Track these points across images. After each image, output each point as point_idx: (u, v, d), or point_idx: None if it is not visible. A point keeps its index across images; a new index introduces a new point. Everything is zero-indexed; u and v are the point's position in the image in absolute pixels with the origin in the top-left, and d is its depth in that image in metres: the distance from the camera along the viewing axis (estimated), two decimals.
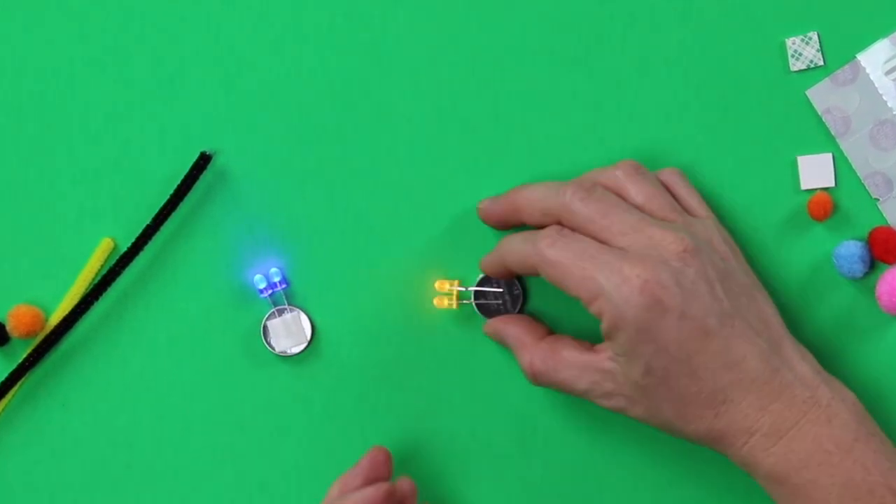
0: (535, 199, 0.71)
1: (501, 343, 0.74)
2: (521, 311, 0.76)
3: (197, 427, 0.77)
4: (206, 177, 0.76)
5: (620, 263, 0.66)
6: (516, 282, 0.77)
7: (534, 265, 0.69)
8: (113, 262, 0.76)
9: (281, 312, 0.76)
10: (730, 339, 0.66)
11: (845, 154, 0.76)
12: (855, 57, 0.76)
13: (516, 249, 0.70)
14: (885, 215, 0.76)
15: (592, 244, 0.68)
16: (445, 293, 0.76)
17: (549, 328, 0.74)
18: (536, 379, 0.71)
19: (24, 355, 0.76)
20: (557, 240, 0.69)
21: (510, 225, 0.73)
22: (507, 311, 0.76)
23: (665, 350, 0.66)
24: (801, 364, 0.68)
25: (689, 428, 0.68)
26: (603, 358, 0.69)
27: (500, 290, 0.76)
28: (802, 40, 0.76)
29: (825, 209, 0.75)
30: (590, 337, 0.73)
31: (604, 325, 0.67)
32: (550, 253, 0.68)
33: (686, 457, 0.75)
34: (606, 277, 0.66)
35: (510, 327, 0.73)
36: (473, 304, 0.76)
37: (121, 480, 0.77)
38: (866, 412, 0.69)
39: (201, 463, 0.77)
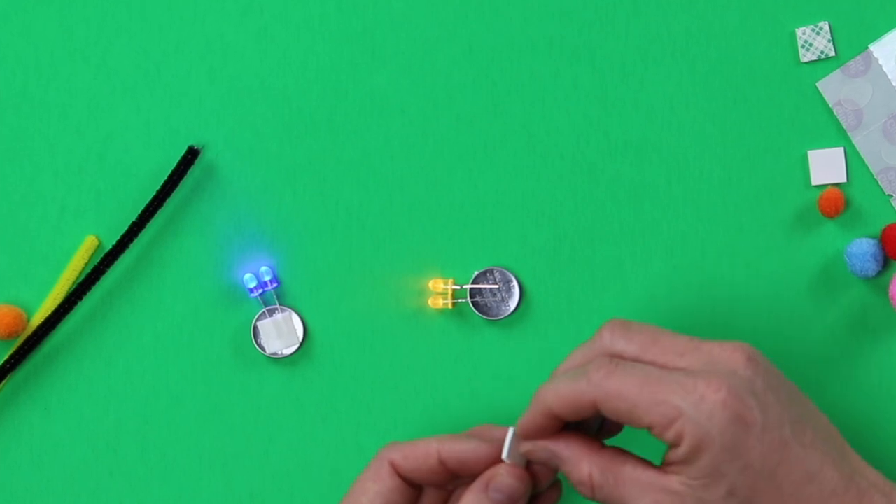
0: (564, 393, 0.65)
1: (546, 461, 0.67)
2: (517, 309, 0.76)
3: (184, 432, 0.77)
4: (193, 172, 0.76)
5: (694, 381, 0.63)
6: (513, 278, 0.76)
7: (592, 402, 0.64)
8: (97, 260, 0.76)
9: (272, 313, 0.76)
10: (805, 448, 0.64)
11: (857, 148, 0.76)
12: (867, 47, 0.76)
13: (565, 392, 0.65)
14: None
15: (654, 368, 0.64)
16: (440, 292, 0.76)
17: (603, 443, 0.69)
18: (594, 493, 0.65)
19: (5, 357, 0.76)
20: (614, 370, 0.64)
21: (557, 429, 0.67)
22: (505, 310, 0.76)
23: (751, 467, 0.63)
24: (869, 469, 0.66)
25: None
26: (673, 480, 0.64)
27: (496, 286, 0.76)
28: (813, 30, 0.76)
29: (836, 206, 0.75)
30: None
31: (684, 450, 0.62)
32: (611, 384, 0.63)
33: None
34: (682, 398, 0.62)
35: (562, 440, 0.66)
36: (469, 302, 0.76)
37: (105, 488, 0.77)
38: None
39: (189, 469, 0.77)
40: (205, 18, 0.77)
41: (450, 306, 0.76)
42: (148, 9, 0.77)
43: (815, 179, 0.76)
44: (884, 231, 0.75)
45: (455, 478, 0.68)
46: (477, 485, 0.67)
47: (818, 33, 0.75)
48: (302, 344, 0.77)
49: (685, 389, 0.62)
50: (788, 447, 0.63)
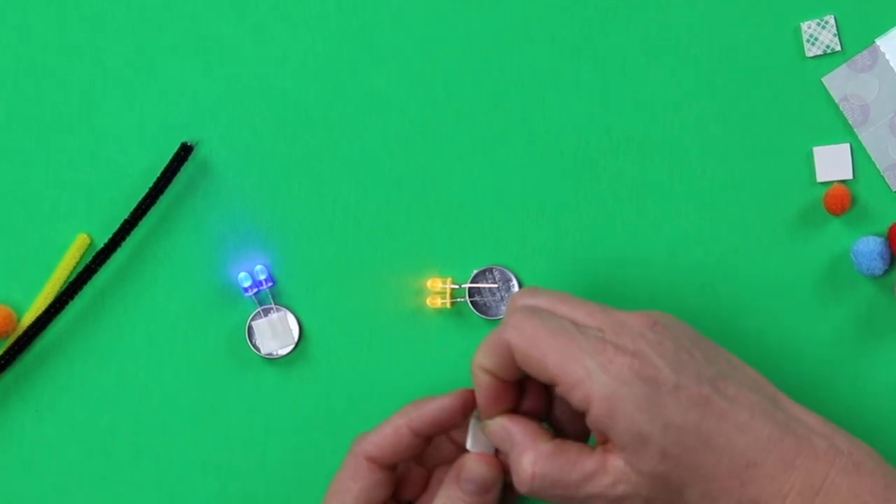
0: (487, 342, 0.67)
1: (501, 444, 0.68)
2: None
3: (178, 434, 0.77)
4: (187, 169, 0.77)
5: (603, 344, 0.64)
6: (513, 277, 0.76)
7: (507, 345, 0.65)
8: (89, 258, 0.76)
9: (267, 312, 0.77)
10: (730, 401, 0.64)
11: (864, 145, 0.76)
12: (874, 42, 0.76)
13: (487, 342, 0.67)
14: None
15: (568, 322, 0.65)
16: (439, 291, 0.76)
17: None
18: (532, 482, 0.66)
19: None
20: (531, 315, 0.66)
21: (507, 397, 0.69)
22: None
23: (672, 425, 0.63)
24: (807, 415, 0.66)
25: None
26: (612, 457, 0.65)
27: (496, 285, 0.76)
28: (818, 24, 0.76)
29: (842, 203, 0.75)
30: None
31: (595, 413, 0.64)
32: (526, 327, 0.65)
33: None
34: (591, 357, 0.64)
35: (518, 422, 0.68)
36: (468, 302, 0.76)
37: (97, 491, 0.77)
38: (881, 455, 0.67)
39: (182, 472, 0.77)
40: (199, 13, 0.77)
41: (448, 306, 0.76)
42: (141, 3, 0.77)
43: (821, 176, 0.76)
44: (891, 229, 0.75)
45: (430, 441, 0.71)
46: (449, 477, 0.69)
47: (823, 27, 0.75)
48: (297, 344, 0.77)
49: (595, 350, 0.64)
50: (710, 402, 0.63)
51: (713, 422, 0.63)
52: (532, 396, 0.69)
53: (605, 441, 0.65)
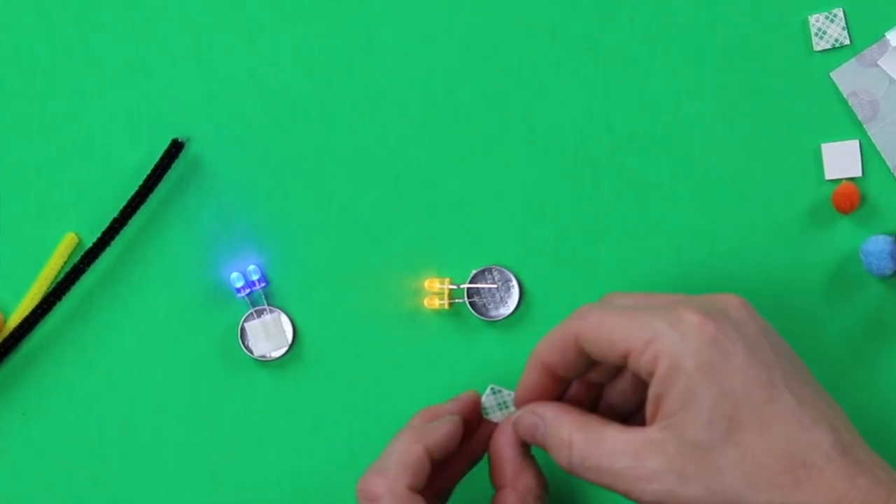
0: (551, 336, 0.67)
1: (532, 427, 0.68)
2: (517, 310, 0.76)
3: (169, 438, 0.77)
4: (178, 166, 0.77)
5: (677, 308, 0.63)
6: (512, 277, 0.77)
7: (574, 336, 0.65)
8: (77, 258, 0.76)
9: (260, 313, 0.77)
10: (800, 400, 0.63)
11: (873, 141, 0.76)
12: (884, 35, 0.76)
13: (551, 336, 0.67)
14: None
15: (640, 306, 0.66)
16: (437, 292, 0.77)
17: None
18: (572, 455, 0.65)
19: None
20: (599, 305, 0.66)
21: (552, 391, 0.69)
22: (504, 311, 0.76)
23: (731, 395, 0.62)
24: (868, 449, 0.65)
25: (764, 498, 0.62)
26: (653, 430, 0.63)
27: (495, 286, 0.76)
28: (827, 17, 0.76)
29: (851, 201, 0.75)
30: None
31: (659, 375, 0.62)
32: (593, 315, 0.65)
33: None
34: (660, 318, 0.63)
35: (549, 405, 0.68)
36: (467, 303, 0.76)
37: (86, 497, 0.77)
38: None
39: (174, 478, 0.77)
40: (191, 4, 0.77)
41: (446, 307, 0.76)
42: None
43: (829, 174, 0.76)
44: None
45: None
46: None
47: (832, 20, 0.75)
48: (291, 346, 0.77)
49: (666, 312, 0.63)
50: (777, 390, 0.62)
51: (777, 408, 0.62)
52: (576, 391, 0.69)
53: (654, 415, 0.64)
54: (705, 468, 0.62)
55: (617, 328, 0.64)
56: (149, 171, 0.75)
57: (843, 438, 0.62)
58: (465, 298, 0.76)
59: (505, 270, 0.76)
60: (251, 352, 0.76)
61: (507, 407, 0.71)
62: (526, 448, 0.69)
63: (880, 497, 0.61)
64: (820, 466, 0.61)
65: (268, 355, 0.76)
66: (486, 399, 0.71)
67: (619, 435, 0.64)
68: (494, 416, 0.71)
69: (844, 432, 0.63)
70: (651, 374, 0.63)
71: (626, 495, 0.63)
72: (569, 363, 0.66)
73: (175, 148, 0.75)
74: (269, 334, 0.76)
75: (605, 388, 0.69)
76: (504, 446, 0.69)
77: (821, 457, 0.62)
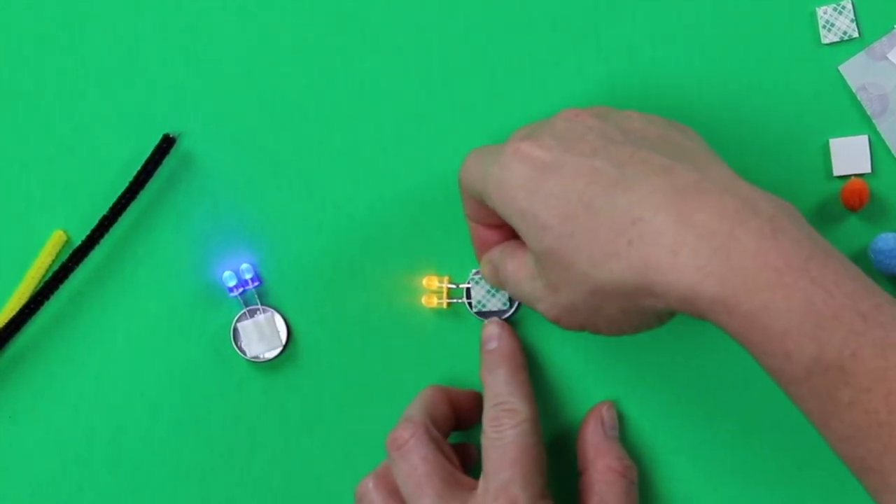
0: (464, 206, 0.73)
1: (494, 279, 0.73)
2: (517, 310, 0.76)
3: (159, 441, 0.77)
4: (169, 162, 0.77)
5: (506, 143, 0.68)
6: None
7: (462, 184, 0.71)
8: (65, 257, 0.76)
9: (253, 313, 0.77)
10: (622, 165, 0.64)
11: (882, 136, 0.75)
12: (893, 28, 0.76)
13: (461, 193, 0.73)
14: None
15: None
16: (435, 290, 0.76)
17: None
18: (491, 274, 0.73)
19: None
20: (473, 151, 0.72)
21: (499, 234, 0.74)
22: (503, 311, 0.76)
23: (552, 196, 0.65)
24: (739, 182, 0.64)
25: (606, 271, 0.63)
26: (529, 253, 0.69)
27: None
28: (835, 9, 0.76)
29: (860, 197, 0.75)
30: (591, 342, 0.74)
31: (498, 207, 0.67)
32: (465, 161, 0.71)
33: None
34: (493, 154, 0.68)
35: (493, 249, 0.73)
36: (465, 302, 0.76)
37: (75, 501, 0.77)
38: (817, 232, 0.64)
39: (165, 481, 0.77)
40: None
41: (445, 306, 0.76)
42: None
43: (838, 170, 0.75)
44: None
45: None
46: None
47: (840, 12, 0.75)
48: (285, 347, 0.76)
49: (498, 148, 0.68)
50: (598, 171, 0.64)
51: (598, 188, 0.64)
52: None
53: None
54: (560, 270, 0.65)
55: (471, 174, 0.69)
56: (139, 167, 0.75)
57: (676, 179, 0.62)
58: (464, 298, 0.76)
59: None
60: (244, 353, 0.76)
61: (497, 292, 0.75)
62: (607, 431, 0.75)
63: (720, 229, 0.60)
64: (648, 217, 0.62)
65: (261, 356, 0.76)
66: (475, 291, 0.75)
67: (528, 260, 0.69)
68: (491, 304, 0.75)
69: (682, 174, 0.63)
70: (496, 209, 0.68)
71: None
72: (479, 209, 0.71)
73: (166, 143, 0.75)
74: (262, 335, 0.76)
75: None
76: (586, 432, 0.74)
77: (647, 208, 0.62)
